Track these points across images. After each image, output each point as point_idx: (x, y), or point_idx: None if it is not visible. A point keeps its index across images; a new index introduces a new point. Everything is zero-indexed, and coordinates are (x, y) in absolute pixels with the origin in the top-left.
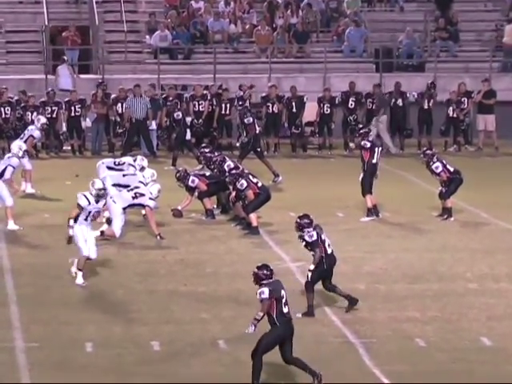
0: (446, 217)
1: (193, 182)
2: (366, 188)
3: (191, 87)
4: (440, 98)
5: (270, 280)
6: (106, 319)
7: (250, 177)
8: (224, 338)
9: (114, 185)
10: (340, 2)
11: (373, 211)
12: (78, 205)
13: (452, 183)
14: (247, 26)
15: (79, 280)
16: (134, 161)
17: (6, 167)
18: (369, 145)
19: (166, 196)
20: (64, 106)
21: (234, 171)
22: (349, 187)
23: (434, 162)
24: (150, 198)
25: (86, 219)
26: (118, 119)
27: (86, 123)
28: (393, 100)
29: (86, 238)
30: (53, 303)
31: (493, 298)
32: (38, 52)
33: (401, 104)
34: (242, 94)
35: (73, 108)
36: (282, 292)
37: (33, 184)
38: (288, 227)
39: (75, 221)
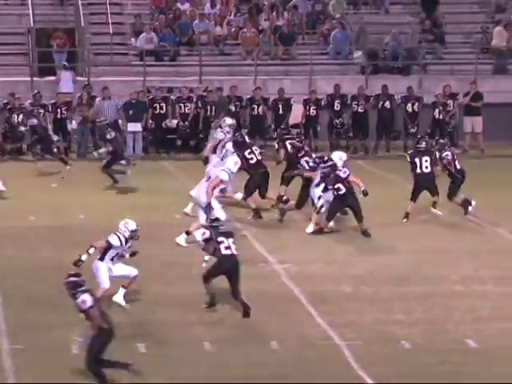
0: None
1: None
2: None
3: (177, 89)
4: (426, 101)
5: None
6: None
7: None
8: (209, 340)
9: None
10: (325, 5)
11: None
12: (108, 242)
13: (453, 183)
14: (233, 29)
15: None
16: None
17: None
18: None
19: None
20: (50, 109)
21: None
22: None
23: (445, 151)
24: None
25: (112, 259)
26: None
27: (72, 125)
28: (380, 102)
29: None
30: (39, 306)
31: (478, 300)
32: (23, 54)
33: (388, 106)
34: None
35: (59, 110)
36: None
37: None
38: (273, 228)
39: (102, 259)
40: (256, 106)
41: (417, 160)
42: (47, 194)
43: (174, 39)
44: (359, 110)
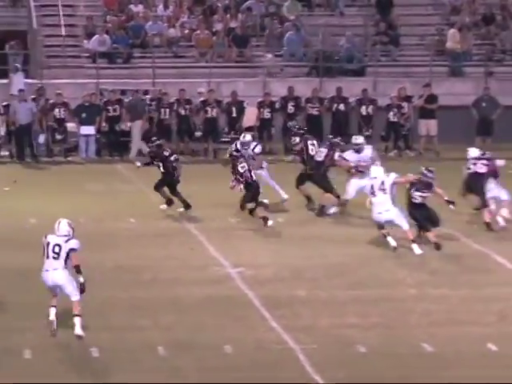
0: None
1: None
2: None
3: (130, 92)
4: (380, 103)
5: None
6: (44, 326)
7: None
8: (163, 344)
9: None
10: (279, 7)
11: None
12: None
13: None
14: (186, 30)
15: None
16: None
17: None
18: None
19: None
20: (2, 111)
21: None
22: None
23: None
24: None
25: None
26: (56, 125)
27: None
28: (335, 105)
29: None
30: None
31: (433, 304)
32: None
33: (343, 109)
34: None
35: None
36: None
37: None
38: (228, 233)
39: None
40: (210, 109)
41: None
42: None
43: (126, 41)
44: (313, 113)
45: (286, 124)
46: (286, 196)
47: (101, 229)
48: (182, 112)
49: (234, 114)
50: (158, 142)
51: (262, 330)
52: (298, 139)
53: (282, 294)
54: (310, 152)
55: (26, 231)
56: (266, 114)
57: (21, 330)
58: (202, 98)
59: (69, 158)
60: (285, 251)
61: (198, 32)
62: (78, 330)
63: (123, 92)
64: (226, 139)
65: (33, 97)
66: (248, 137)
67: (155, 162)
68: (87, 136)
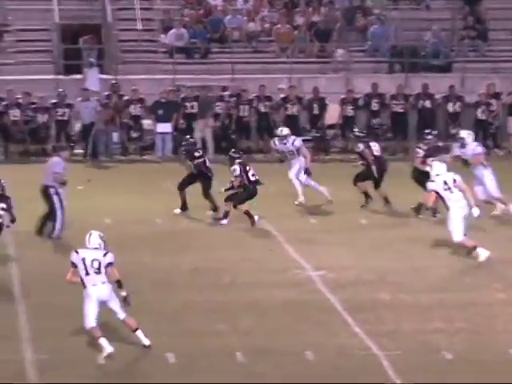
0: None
1: None
2: None
3: (209, 88)
4: (468, 100)
5: None
6: (119, 330)
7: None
8: (242, 350)
9: None
10: (363, 0)
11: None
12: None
13: None
14: (266, 24)
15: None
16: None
17: None
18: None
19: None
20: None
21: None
22: (373, 191)
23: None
24: None
25: None
26: (132, 123)
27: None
28: (420, 102)
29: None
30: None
31: None
32: (48, 51)
33: (429, 106)
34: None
35: None
36: None
37: None
38: (308, 234)
39: None
40: (290, 106)
41: None
42: (72, 197)
43: (204, 35)
44: (398, 110)
45: (369, 122)
46: (329, 196)
47: (177, 229)
48: (262, 109)
49: (316, 112)
50: (191, 140)
51: (345, 335)
52: (361, 146)
53: (365, 298)
54: (376, 153)
55: (101, 231)
56: (349, 111)
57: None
58: (282, 95)
59: (144, 157)
60: (368, 253)
61: (279, 26)
62: (145, 341)
63: (201, 88)
64: (307, 137)
65: (107, 93)
66: (285, 130)
67: (189, 162)
68: (164, 134)
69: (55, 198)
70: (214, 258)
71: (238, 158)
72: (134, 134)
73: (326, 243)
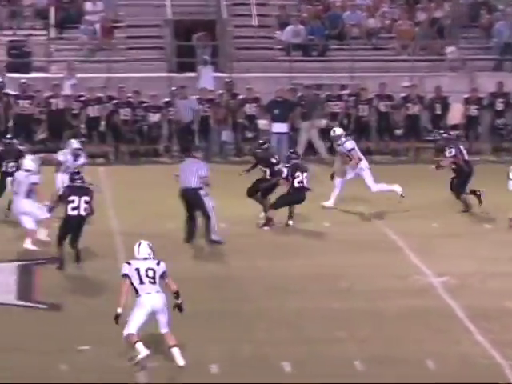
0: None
1: None
2: None
3: (326, 87)
4: None
5: None
6: (232, 338)
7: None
8: (360, 359)
9: None
10: None
11: None
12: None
13: None
14: (387, 21)
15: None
16: None
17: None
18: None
19: None
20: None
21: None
22: (497, 196)
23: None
24: None
25: None
26: (247, 123)
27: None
28: None
29: None
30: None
31: None
32: (160, 48)
33: None
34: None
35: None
36: None
37: None
38: (430, 238)
39: None
40: (411, 105)
41: None
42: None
43: (322, 32)
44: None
45: (494, 122)
46: (400, 189)
47: (291, 235)
48: (382, 108)
49: (438, 111)
50: (265, 145)
51: (467, 343)
52: (453, 150)
53: (489, 306)
54: (465, 157)
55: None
56: (473, 110)
57: (206, 342)
58: (402, 94)
59: None
60: (493, 258)
61: (400, 22)
62: (180, 361)
63: (319, 87)
64: (429, 138)
65: (221, 92)
66: (338, 130)
67: (259, 167)
68: (280, 134)
69: (206, 200)
70: (328, 263)
71: (295, 158)
72: (249, 135)
73: (447, 247)
